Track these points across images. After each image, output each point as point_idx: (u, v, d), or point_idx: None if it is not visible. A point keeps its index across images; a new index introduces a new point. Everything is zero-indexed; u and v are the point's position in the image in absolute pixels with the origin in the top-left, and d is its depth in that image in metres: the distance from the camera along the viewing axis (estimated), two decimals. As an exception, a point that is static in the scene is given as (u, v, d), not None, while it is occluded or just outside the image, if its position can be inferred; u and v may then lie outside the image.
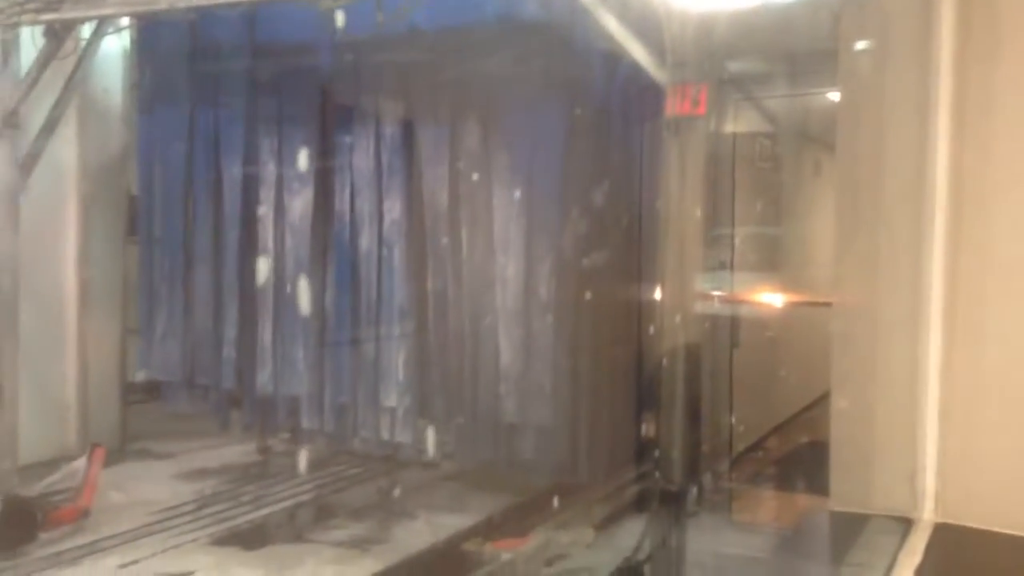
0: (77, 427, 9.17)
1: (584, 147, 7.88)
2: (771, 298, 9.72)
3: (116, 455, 8.89)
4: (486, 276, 7.99)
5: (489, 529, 7.29)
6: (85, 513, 7.23)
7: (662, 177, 6.44)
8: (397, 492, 8.35)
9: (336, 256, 8.56)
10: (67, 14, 7.47)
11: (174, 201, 9.17)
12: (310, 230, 8.59)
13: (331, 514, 7.97)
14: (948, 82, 4.81)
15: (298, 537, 7.45)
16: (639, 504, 7.42)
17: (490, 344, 7.96)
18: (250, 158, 8.78)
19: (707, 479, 7.84)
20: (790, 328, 10.15)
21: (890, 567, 4.21)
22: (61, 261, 9.17)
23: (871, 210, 5.11)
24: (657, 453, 6.24)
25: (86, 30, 8.34)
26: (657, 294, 6.57)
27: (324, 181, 8.57)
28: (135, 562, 6.69)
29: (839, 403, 5.14)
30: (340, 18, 6.85)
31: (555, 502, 7.49)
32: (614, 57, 7.27)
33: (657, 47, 6.28)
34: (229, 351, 8.88)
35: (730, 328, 8.48)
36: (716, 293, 8.21)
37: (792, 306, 9.72)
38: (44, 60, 7.74)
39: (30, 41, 7.76)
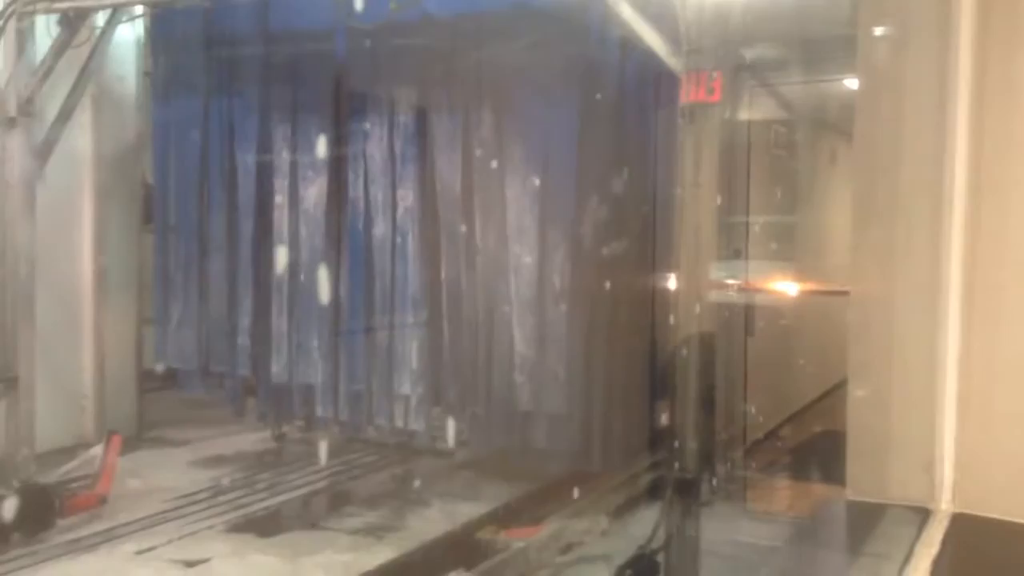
0: (94, 415, 9.24)
1: (598, 135, 7.84)
2: (786, 287, 9.67)
3: (132, 442, 8.95)
4: (500, 264, 7.98)
5: (503, 517, 7.31)
6: (102, 500, 7.29)
7: (677, 165, 6.40)
8: (411, 480, 8.38)
9: (350, 244, 8.56)
10: (81, 2, 7.49)
11: (189, 189, 9.20)
12: (324, 218, 8.60)
13: (346, 502, 8.01)
14: (968, 68, 4.76)
15: (313, 525, 7.49)
16: (653, 492, 7.41)
17: (504, 332, 7.96)
18: (264, 146, 8.79)
19: (722, 468, 7.82)
20: (805, 317, 10.10)
21: (907, 557, 4.19)
22: (77, 250, 9.22)
23: (889, 198, 5.06)
24: (672, 442, 6.22)
25: (100, 18, 8.36)
26: (672, 282, 6.54)
27: (338, 169, 8.57)
28: (152, 548, 6.74)
29: (856, 392, 5.11)
30: (354, 5, 6.84)
31: (569, 490, 7.49)
32: (628, 44, 7.23)
33: (672, 34, 6.23)
34: (244, 339, 8.92)
35: (745, 317, 8.44)
36: (731, 281, 8.17)
37: (808, 295, 9.67)
38: (59, 49, 7.75)
39: (45, 30, 7.78)
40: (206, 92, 9.01)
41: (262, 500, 7.93)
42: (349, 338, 8.56)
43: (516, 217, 7.93)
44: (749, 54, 7.91)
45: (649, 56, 6.74)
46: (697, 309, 5.99)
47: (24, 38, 7.63)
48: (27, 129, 7.75)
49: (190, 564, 6.49)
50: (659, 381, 7.52)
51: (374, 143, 8.41)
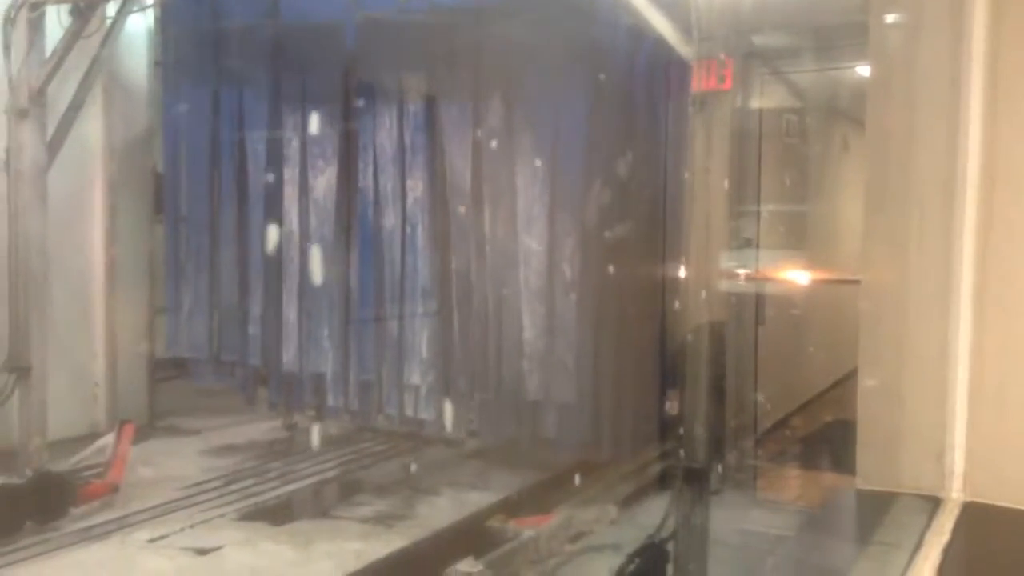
0: (106, 404, 9.30)
1: (609, 123, 7.82)
2: (797, 275, 9.63)
3: (144, 431, 9.00)
4: (509, 253, 7.98)
5: (512, 506, 7.32)
6: (114, 488, 7.33)
7: (687, 154, 6.37)
8: (421, 469, 8.40)
9: (360, 233, 8.57)
10: (92, -7, 7.50)
11: (199, 179, 9.22)
12: (334, 208, 8.60)
13: (356, 490, 8.04)
14: (981, 55, 4.71)
15: (324, 513, 7.52)
16: (663, 482, 7.41)
17: (514, 321, 7.95)
18: (274, 136, 8.79)
19: (731, 457, 7.81)
20: (816, 306, 10.06)
21: (918, 546, 4.17)
22: (89, 240, 9.26)
23: (901, 187, 5.02)
24: (681, 431, 6.21)
25: (111, 8, 8.37)
26: (682, 271, 6.52)
27: (348, 159, 8.57)
28: (164, 537, 6.78)
29: (866, 381, 5.08)
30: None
31: (578, 479, 7.50)
32: (639, 31, 7.20)
33: (683, 21, 6.21)
34: (255, 328, 8.95)
35: (755, 305, 8.41)
36: (741, 270, 8.14)
37: (819, 284, 9.62)
38: (70, 39, 7.78)
39: (56, 20, 7.80)
40: (216, 82, 9.02)
41: (273, 489, 7.97)
42: (359, 327, 8.58)
43: (526, 206, 7.92)
44: (760, 41, 7.86)
45: (660, 44, 6.73)
46: (707, 298, 5.97)
47: (35, 29, 7.66)
48: (39, 120, 7.79)
49: (202, 552, 6.53)
50: (669, 370, 7.51)
51: (383, 132, 8.41)
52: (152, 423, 9.73)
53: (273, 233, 8.81)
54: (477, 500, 7.50)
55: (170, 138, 9.49)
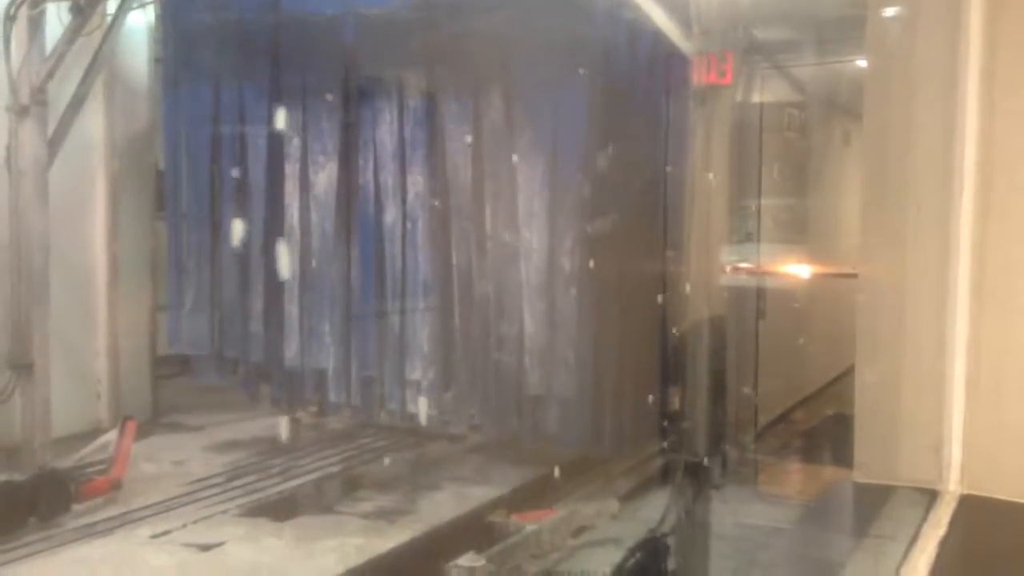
0: (108, 400, 9.32)
1: (609, 118, 7.81)
2: (797, 269, 9.63)
3: (147, 428, 9.02)
4: (510, 249, 7.98)
5: (514, 501, 7.33)
6: (117, 485, 7.35)
7: (688, 148, 6.38)
8: (423, 464, 8.42)
9: (361, 230, 8.57)
10: (92, -10, 7.51)
11: (201, 176, 9.22)
12: (335, 204, 8.60)
13: (358, 486, 8.05)
14: (978, 49, 4.71)
15: (326, 509, 7.54)
16: (664, 476, 7.43)
17: (514, 317, 7.96)
18: (275, 132, 8.79)
19: (732, 451, 7.82)
20: (816, 300, 10.06)
21: (914, 538, 4.19)
22: (90, 237, 9.27)
23: (899, 180, 5.03)
24: (682, 425, 6.23)
25: (111, 5, 8.38)
26: (683, 266, 6.54)
27: (348, 155, 8.57)
28: (167, 533, 6.79)
29: (864, 374, 5.10)
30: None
31: (579, 474, 7.51)
32: (640, 26, 7.20)
33: (683, 16, 6.21)
34: (257, 325, 8.96)
35: (755, 299, 8.42)
36: (742, 264, 8.15)
37: (818, 277, 9.62)
38: (70, 36, 7.79)
39: (56, 18, 7.81)
40: (217, 78, 9.02)
41: (275, 484, 7.99)
42: (360, 323, 8.58)
43: (526, 201, 7.92)
44: (760, 36, 7.86)
45: (660, 38, 6.72)
46: (707, 292, 6.00)
47: (36, 26, 7.67)
48: (39, 117, 7.80)
49: (205, 548, 6.54)
50: (670, 364, 7.53)
51: (384, 128, 8.40)
52: (155, 419, 9.74)
53: (274, 229, 8.82)
54: (479, 495, 7.51)
55: (171, 135, 9.47)
